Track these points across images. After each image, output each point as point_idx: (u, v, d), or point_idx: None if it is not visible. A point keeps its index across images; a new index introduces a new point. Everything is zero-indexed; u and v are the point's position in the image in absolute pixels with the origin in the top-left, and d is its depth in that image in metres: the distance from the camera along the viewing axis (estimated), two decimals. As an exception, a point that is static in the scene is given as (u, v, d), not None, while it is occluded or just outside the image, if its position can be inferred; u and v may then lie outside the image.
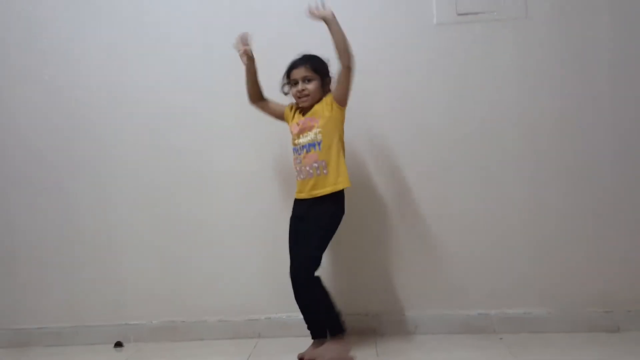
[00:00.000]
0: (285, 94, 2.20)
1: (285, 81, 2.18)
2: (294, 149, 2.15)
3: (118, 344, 2.47)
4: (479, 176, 2.38)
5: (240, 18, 2.42)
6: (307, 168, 2.09)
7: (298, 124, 2.13)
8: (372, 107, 2.39)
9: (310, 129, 2.10)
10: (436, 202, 2.41)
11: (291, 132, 2.18)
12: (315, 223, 2.10)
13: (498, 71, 2.36)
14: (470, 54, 2.36)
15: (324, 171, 2.08)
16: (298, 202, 2.17)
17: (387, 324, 2.42)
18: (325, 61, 2.13)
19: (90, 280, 2.53)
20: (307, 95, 2.11)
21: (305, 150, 2.10)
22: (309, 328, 2.14)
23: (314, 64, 2.12)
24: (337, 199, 2.11)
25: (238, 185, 2.46)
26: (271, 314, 2.44)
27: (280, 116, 2.24)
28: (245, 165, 2.45)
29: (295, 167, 2.15)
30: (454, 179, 2.39)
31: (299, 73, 2.11)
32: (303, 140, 2.11)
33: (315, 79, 2.11)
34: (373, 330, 2.41)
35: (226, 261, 2.48)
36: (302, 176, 2.12)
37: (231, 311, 2.48)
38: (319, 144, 2.08)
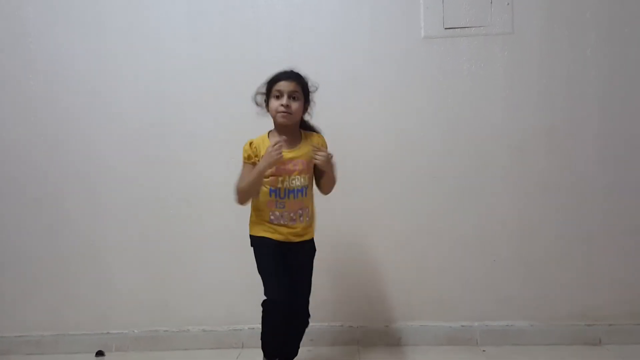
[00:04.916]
0: (258, 104, 1.96)
1: (264, 91, 1.95)
2: (273, 191, 1.90)
3: (99, 353, 2.45)
4: (464, 189, 2.40)
5: (230, 31, 2.43)
6: (292, 215, 1.92)
7: (284, 164, 1.89)
8: (358, 119, 2.40)
9: (301, 172, 1.92)
10: (421, 215, 2.41)
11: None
12: (309, 261, 2.02)
13: (485, 85, 2.37)
14: (457, 68, 2.37)
15: (307, 218, 1.96)
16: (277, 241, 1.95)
17: (371, 335, 2.42)
18: (312, 87, 1.96)
19: (72, 288, 2.50)
20: (290, 113, 1.88)
21: (292, 195, 1.91)
22: (288, 352, 2.07)
23: (303, 84, 1.93)
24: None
25: (224, 196, 2.41)
26: (255, 324, 2.37)
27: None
28: (232, 177, 2.43)
29: (272, 211, 1.92)
30: (439, 192, 2.40)
31: (288, 86, 1.89)
32: (289, 184, 1.90)
33: (300, 100, 1.91)
34: (357, 342, 2.41)
35: (210, 271, 2.47)
36: (282, 221, 1.92)
37: (215, 321, 2.47)
38: (305, 189, 1.94)
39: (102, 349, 2.46)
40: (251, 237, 2.00)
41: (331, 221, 2.36)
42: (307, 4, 2.42)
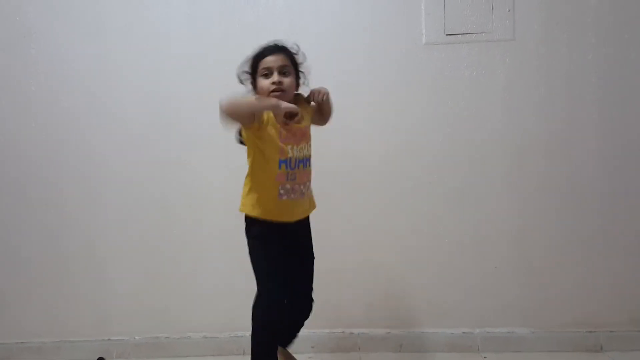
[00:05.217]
0: (242, 82, 1.82)
1: (249, 70, 1.79)
2: (283, 162, 1.75)
3: (100, 360, 2.45)
4: (465, 196, 2.39)
5: (230, 32, 2.42)
6: (302, 187, 1.80)
7: (290, 130, 1.75)
8: (358, 124, 2.39)
9: (307, 140, 1.82)
10: (422, 220, 2.41)
11: (270, 138, 1.74)
12: (310, 246, 1.93)
13: (485, 92, 2.37)
14: (458, 74, 2.37)
15: (309, 191, 1.88)
16: (283, 226, 1.82)
17: (372, 342, 2.41)
18: (301, 57, 1.82)
19: (73, 294, 2.49)
20: (282, 91, 1.73)
21: (302, 165, 1.79)
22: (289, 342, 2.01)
23: (291, 55, 1.78)
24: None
25: (224, 200, 2.43)
26: (256, 331, 2.42)
27: (252, 117, 1.72)
28: (232, 181, 2.42)
29: (282, 184, 1.76)
30: (439, 198, 2.40)
31: (276, 61, 1.73)
32: (299, 153, 1.78)
33: (291, 73, 1.76)
34: (358, 348, 2.41)
35: (211, 277, 2.46)
36: (293, 195, 1.78)
37: (216, 327, 2.46)
38: (310, 158, 1.83)
39: (103, 356, 2.44)
40: (250, 219, 1.84)
41: (331, 226, 2.37)
42: (306, 10, 2.42)
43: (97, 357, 2.44)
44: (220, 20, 2.43)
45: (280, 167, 1.75)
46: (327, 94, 1.82)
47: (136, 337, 2.48)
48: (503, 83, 2.36)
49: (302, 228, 1.92)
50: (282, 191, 1.77)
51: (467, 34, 2.35)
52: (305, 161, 1.80)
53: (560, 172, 2.37)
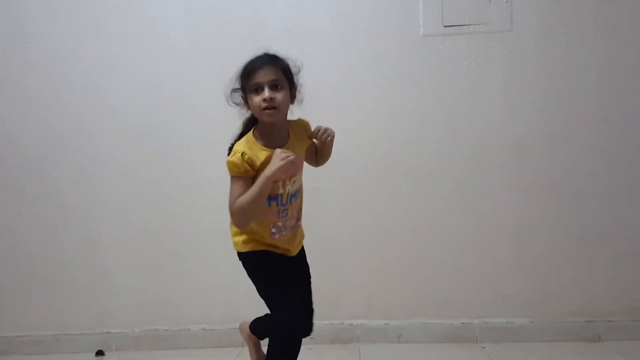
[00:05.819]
0: (237, 104, 1.66)
1: (238, 87, 1.62)
2: (274, 199, 1.59)
3: (100, 353, 2.45)
4: (464, 187, 2.40)
5: (227, 29, 2.42)
6: (291, 221, 1.66)
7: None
8: (357, 118, 2.40)
9: (300, 170, 1.67)
10: (421, 212, 2.42)
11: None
12: (307, 265, 1.81)
13: (484, 83, 2.37)
14: (456, 66, 2.37)
15: (300, 222, 1.73)
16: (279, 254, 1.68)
17: (371, 333, 2.42)
18: (294, 67, 1.63)
19: (72, 288, 2.50)
20: (274, 108, 1.54)
21: (293, 199, 1.64)
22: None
23: (284, 67, 1.59)
24: None
25: (223, 194, 2.42)
26: (255, 323, 2.43)
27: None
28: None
29: (274, 222, 1.62)
30: (439, 189, 2.41)
31: (267, 75, 1.54)
32: (291, 187, 1.62)
33: (285, 87, 1.57)
34: (357, 339, 2.42)
35: (210, 269, 2.46)
36: (284, 232, 1.64)
37: (214, 320, 2.47)
38: (301, 187, 1.70)
39: (102, 349, 2.46)
40: (245, 254, 1.69)
41: (330, 219, 2.38)
42: (304, 4, 2.42)
43: (96, 350, 2.45)
44: (218, 19, 2.44)
45: (270, 204, 1.59)
46: (332, 136, 1.67)
47: (135, 330, 2.49)
48: (501, 74, 2.37)
49: (300, 253, 1.79)
50: (273, 230, 1.63)
51: (465, 25, 2.36)
52: (297, 194, 1.66)
53: (559, 164, 2.37)
